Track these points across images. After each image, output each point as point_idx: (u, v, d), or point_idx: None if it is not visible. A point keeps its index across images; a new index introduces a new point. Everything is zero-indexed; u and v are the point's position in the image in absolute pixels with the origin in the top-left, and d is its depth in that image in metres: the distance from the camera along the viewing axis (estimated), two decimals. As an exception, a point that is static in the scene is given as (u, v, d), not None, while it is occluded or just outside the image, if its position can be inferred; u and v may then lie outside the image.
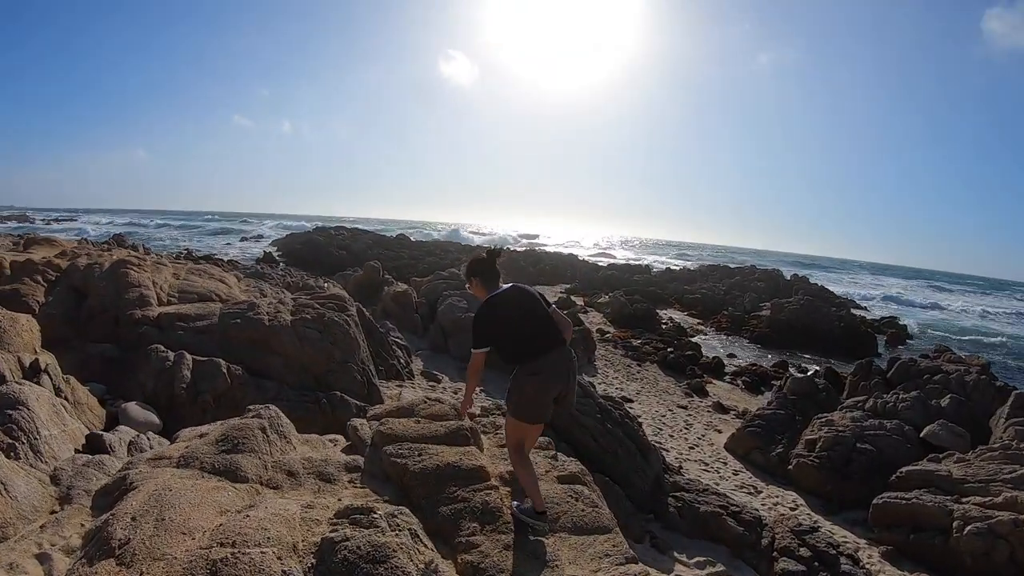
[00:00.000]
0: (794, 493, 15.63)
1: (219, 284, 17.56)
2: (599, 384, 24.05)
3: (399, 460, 6.16)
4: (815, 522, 13.36)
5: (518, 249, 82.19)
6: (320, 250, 59.79)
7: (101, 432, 8.46)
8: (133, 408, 11.96)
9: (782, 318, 39.38)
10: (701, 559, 10.74)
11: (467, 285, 5.97)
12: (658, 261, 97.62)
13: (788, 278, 61.01)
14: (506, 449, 6.03)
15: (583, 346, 27.14)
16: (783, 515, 12.43)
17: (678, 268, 75.69)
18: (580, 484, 6.53)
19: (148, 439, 8.91)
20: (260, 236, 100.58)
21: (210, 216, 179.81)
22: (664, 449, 17.36)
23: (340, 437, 7.88)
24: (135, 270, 16.07)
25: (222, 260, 45.33)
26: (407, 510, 5.27)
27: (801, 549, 10.81)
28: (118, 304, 14.85)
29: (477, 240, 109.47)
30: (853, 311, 47.88)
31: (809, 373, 28.25)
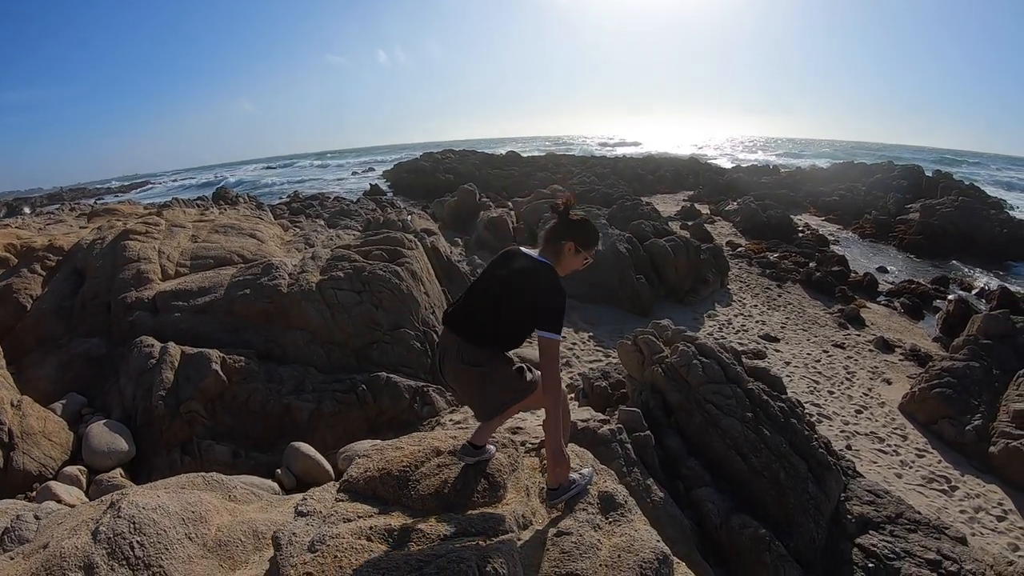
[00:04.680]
0: (999, 489, 11.84)
1: (247, 241, 14.44)
2: (736, 316, 20.25)
3: None
4: None
5: (635, 156, 76.97)
6: (427, 176, 57.42)
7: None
8: (97, 433, 9.40)
9: (934, 222, 34.30)
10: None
11: None
12: (781, 161, 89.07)
13: (930, 175, 54.12)
14: None
15: (714, 267, 23.07)
16: (1010, 564, 8.45)
17: (807, 167, 68.72)
18: None
19: (23, 527, 5.63)
20: (371, 169, 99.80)
21: (320, 156, 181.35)
22: (825, 416, 13.62)
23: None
24: (138, 240, 13.38)
25: (259, 203, 41.54)
26: None
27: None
28: (111, 287, 12.27)
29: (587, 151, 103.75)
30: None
31: (976, 292, 25.42)
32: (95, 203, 58.96)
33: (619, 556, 3.69)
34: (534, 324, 3.63)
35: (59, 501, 7.73)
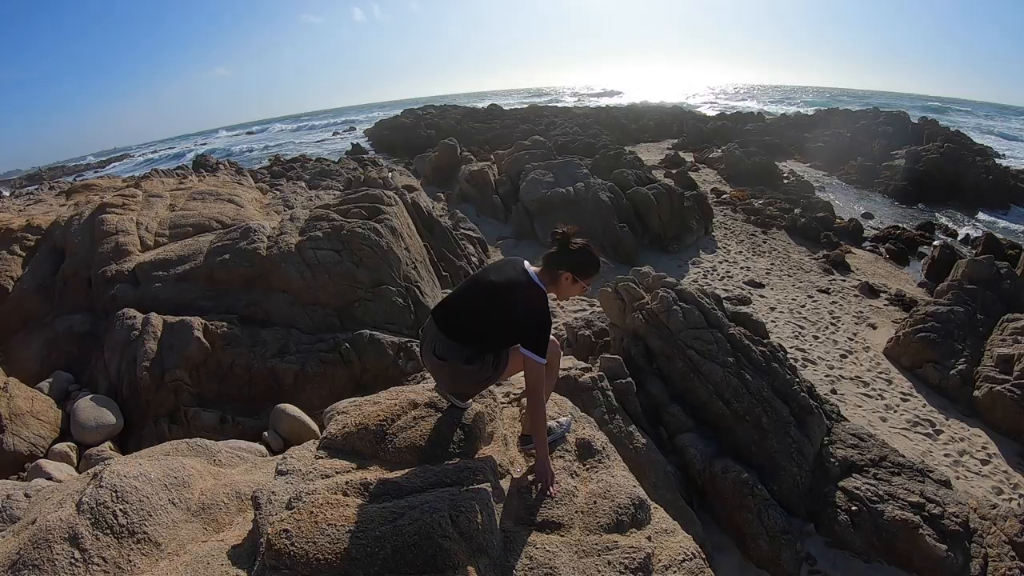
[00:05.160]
0: (983, 433, 11.89)
1: (225, 206, 14.30)
2: (720, 263, 20.23)
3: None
4: (1017, 491, 10.10)
5: (618, 105, 76.06)
6: (408, 133, 56.79)
7: None
8: (84, 408, 9.41)
9: (920, 168, 34.11)
10: (885, 607, 7.21)
11: None
12: (765, 108, 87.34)
13: (915, 121, 53.57)
14: None
15: (698, 214, 23.00)
16: (993, 507, 8.51)
17: (792, 114, 68.08)
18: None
19: (14, 506, 5.68)
20: (351, 128, 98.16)
21: (295, 119, 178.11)
22: (810, 361, 13.64)
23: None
24: (116, 213, 13.21)
25: (239, 168, 40.28)
26: None
27: (1025, 578, 7.22)
28: (91, 261, 12.15)
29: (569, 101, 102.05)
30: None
31: (961, 237, 25.75)
32: (74, 180, 58.30)
33: (595, 502, 3.72)
34: (520, 343, 3.65)
35: (50, 479, 7.75)
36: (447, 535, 3.05)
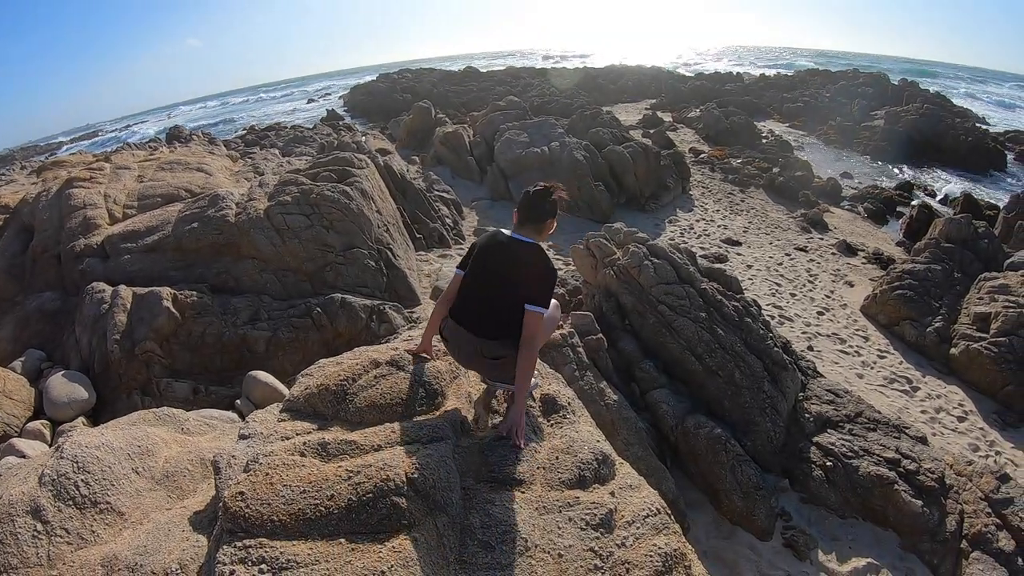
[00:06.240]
0: (959, 391, 11.97)
1: (194, 175, 14.07)
2: (697, 222, 20.20)
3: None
4: (994, 448, 10.25)
5: (596, 66, 75.37)
6: (384, 97, 56.18)
7: None
8: (56, 385, 9.29)
9: (899, 129, 34.31)
10: (860, 564, 7.25)
11: None
12: (745, 69, 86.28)
13: (896, 83, 53.67)
14: None
15: (675, 173, 22.95)
16: (969, 464, 8.50)
17: (772, 75, 67.79)
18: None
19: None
20: (327, 94, 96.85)
21: (274, 86, 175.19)
22: (787, 318, 13.68)
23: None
24: (83, 187, 12.97)
25: (211, 138, 39.72)
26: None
27: (1000, 536, 7.30)
28: (60, 237, 11.97)
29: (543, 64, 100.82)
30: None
31: (939, 198, 25.88)
32: (46, 159, 57.19)
33: (557, 458, 3.68)
34: (525, 302, 3.69)
35: (23, 457, 7.68)
36: (402, 493, 3.01)
